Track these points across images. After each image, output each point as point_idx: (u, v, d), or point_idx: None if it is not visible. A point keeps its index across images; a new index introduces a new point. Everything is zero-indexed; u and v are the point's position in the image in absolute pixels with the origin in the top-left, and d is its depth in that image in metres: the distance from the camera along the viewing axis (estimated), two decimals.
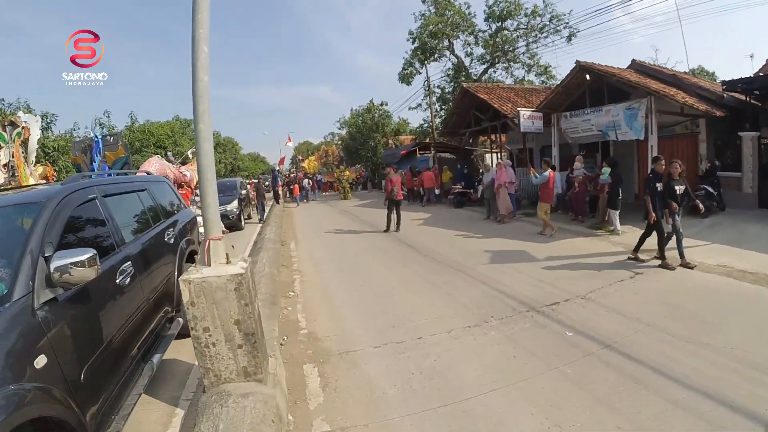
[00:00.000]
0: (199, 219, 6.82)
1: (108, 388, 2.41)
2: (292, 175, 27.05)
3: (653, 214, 5.91)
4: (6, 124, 8.26)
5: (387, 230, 10.25)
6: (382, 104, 32.50)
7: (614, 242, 7.72)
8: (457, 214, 13.70)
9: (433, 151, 20.19)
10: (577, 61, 10.74)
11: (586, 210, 10.23)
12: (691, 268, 5.71)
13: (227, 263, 2.92)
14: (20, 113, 10.09)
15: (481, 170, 18.20)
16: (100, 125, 18.47)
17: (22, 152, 8.33)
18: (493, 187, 11.45)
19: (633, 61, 12.93)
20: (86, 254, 2.13)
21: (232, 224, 11.42)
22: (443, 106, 28.11)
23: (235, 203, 11.73)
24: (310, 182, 23.83)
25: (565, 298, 4.96)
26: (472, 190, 15.78)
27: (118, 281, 2.81)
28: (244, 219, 12.52)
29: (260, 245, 8.61)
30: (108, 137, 11.28)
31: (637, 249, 6.34)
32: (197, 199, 11.66)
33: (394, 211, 10.26)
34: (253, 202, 17.46)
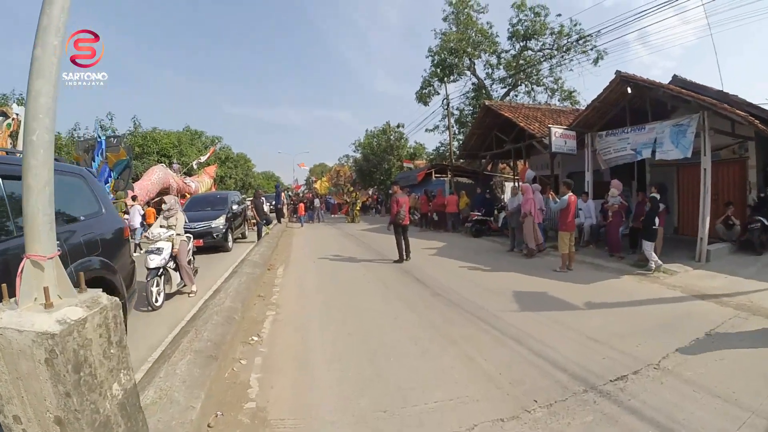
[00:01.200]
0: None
1: None
2: (302, 194, 25.95)
3: None
4: None
5: (400, 260, 8.79)
6: (398, 126, 31.61)
7: (669, 285, 6.21)
8: (476, 244, 12.15)
9: (449, 175, 18.85)
10: (618, 72, 9.39)
11: (622, 244, 8.82)
12: None
13: (47, 306, 1.53)
14: (14, 105, 9.92)
15: (503, 196, 16.76)
16: (101, 127, 17.73)
17: (11, 143, 8.20)
18: (519, 214, 9.95)
19: (674, 77, 11.48)
20: None
21: (216, 244, 9.98)
22: (461, 129, 27.00)
23: (221, 219, 10.16)
24: (319, 202, 22.61)
25: (634, 369, 3.45)
26: (492, 218, 14.30)
27: None
28: (233, 238, 10.86)
29: (237, 269, 7.23)
30: (112, 139, 11.17)
31: None
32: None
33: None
34: (253, 221, 16.24)
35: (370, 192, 32.36)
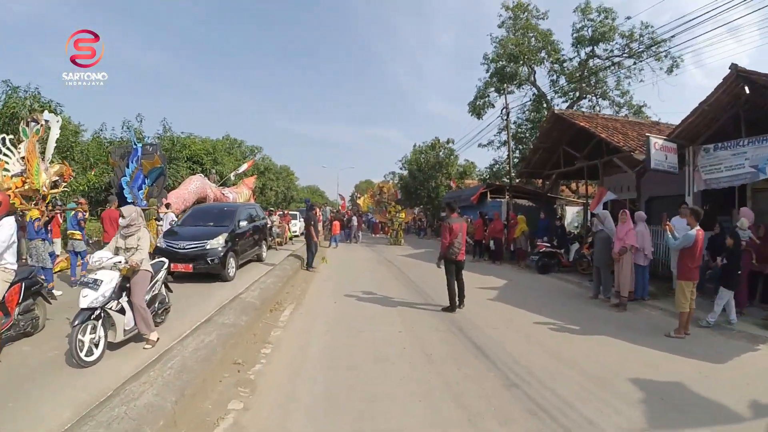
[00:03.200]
0: None
1: None
2: (337, 210, 24.14)
3: None
4: (30, 120, 8.48)
5: (451, 309, 6.44)
6: (447, 142, 29.33)
7: None
8: (546, 284, 9.51)
9: (507, 196, 16.19)
10: (733, 66, 7.09)
11: (746, 294, 6.58)
12: None
13: None
14: (46, 113, 10.10)
15: (574, 224, 13.73)
16: (128, 128, 16.88)
17: (39, 148, 8.37)
18: (610, 249, 7.36)
19: None
20: None
21: (211, 270, 7.62)
22: (518, 146, 24.25)
23: (220, 239, 7.81)
24: (356, 221, 20.54)
25: None
26: (563, 251, 11.54)
27: None
28: (239, 263, 8.57)
29: (215, 316, 5.15)
30: (148, 146, 11.03)
31: None
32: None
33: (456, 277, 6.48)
34: (278, 239, 14.42)
35: (416, 211, 30.07)
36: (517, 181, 17.35)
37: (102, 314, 3.93)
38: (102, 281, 3.93)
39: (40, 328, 4.53)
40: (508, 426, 2.99)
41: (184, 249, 7.62)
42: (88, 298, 3.82)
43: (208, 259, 7.60)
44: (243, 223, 9.02)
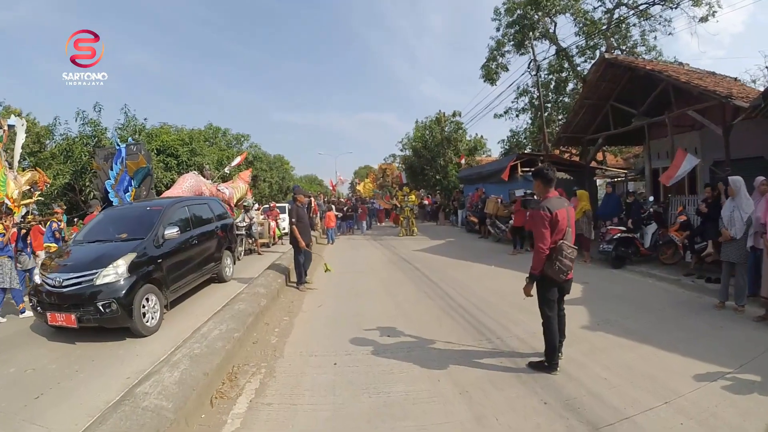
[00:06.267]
0: None
1: None
2: (336, 199, 20.87)
3: None
4: None
5: (550, 366, 3.53)
6: (454, 115, 26.09)
7: None
8: (635, 286, 6.72)
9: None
10: None
11: None
12: None
13: None
14: (13, 117, 10.09)
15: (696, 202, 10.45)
16: (82, 120, 14.42)
17: (5, 156, 8.05)
18: (749, 235, 4.59)
19: None
20: None
21: (105, 323, 4.50)
22: (533, 118, 21.00)
23: (119, 266, 4.63)
24: (360, 209, 17.41)
25: None
26: (638, 235, 8.56)
27: None
28: (164, 303, 5.18)
29: None
30: (132, 146, 10.54)
31: None
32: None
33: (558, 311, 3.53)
34: (262, 242, 11.41)
35: (422, 193, 26.98)
36: (557, 150, 14.28)
37: None
38: None
39: None
40: None
41: (61, 287, 4.51)
42: None
43: (99, 304, 4.38)
44: (171, 232, 5.51)
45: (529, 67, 15.05)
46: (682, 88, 9.04)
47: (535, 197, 4.23)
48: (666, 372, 3.44)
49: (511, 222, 10.80)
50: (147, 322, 4.73)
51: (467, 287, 6.76)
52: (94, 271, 4.55)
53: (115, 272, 4.58)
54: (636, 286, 6.67)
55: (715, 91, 8.05)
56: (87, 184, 13.56)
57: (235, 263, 8.02)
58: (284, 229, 14.98)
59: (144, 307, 4.71)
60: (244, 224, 10.11)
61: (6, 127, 8.58)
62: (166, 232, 5.42)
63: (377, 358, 3.91)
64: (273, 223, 12.83)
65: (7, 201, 7.28)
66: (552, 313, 3.42)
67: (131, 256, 4.80)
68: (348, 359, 3.90)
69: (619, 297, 5.92)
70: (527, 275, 3.44)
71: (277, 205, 15.47)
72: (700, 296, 5.91)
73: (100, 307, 4.39)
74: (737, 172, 8.24)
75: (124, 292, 4.52)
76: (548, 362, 3.50)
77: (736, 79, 11.48)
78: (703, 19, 17.10)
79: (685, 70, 10.70)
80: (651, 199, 9.46)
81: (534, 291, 3.48)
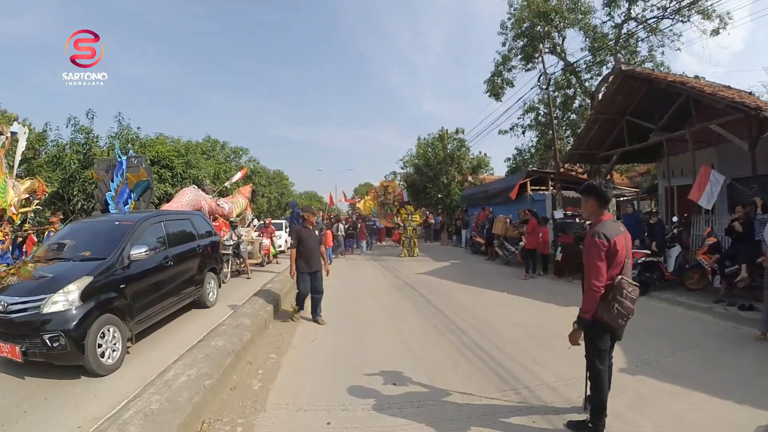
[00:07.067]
0: None
1: None
2: (335, 216, 20.14)
3: None
4: None
5: (596, 427, 2.73)
6: (456, 132, 25.65)
7: None
8: (668, 317, 6.09)
9: (552, 187, 12.47)
10: None
11: None
12: None
13: None
14: (15, 124, 10.01)
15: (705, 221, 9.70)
16: (74, 127, 13.92)
17: (6, 163, 8.00)
18: None
19: None
20: None
21: (54, 357, 3.71)
22: (540, 135, 20.56)
23: (71, 292, 3.81)
24: (359, 227, 16.63)
25: None
26: (662, 259, 7.87)
27: None
28: (127, 336, 4.33)
29: None
30: (133, 159, 10.35)
31: None
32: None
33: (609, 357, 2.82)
34: (250, 260, 10.62)
35: (426, 211, 26.26)
36: (566, 168, 13.65)
37: None
38: None
39: None
40: None
41: (6, 312, 3.77)
42: None
43: (46, 337, 3.60)
44: (139, 252, 4.64)
45: (539, 81, 14.49)
46: (703, 102, 8.60)
47: (578, 219, 3.55)
48: (725, 425, 2.87)
49: (522, 244, 10.08)
50: (104, 359, 3.93)
51: (480, 318, 6.01)
52: (42, 296, 3.78)
53: (65, 299, 3.79)
54: (666, 317, 5.98)
55: (744, 103, 7.57)
56: (76, 193, 12.98)
57: (220, 286, 7.20)
58: (280, 247, 14.26)
59: (101, 341, 3.94)
60: (231, 242, 9.31)
61: (9, 134, 8.61)
62: (132, 252, 4.58)
63: (381, 416, 3.16)
64: (267, 241, 12.06)
65: (10, 209, 7.34)
66: (603, 366, 2.70)
67: (86, 281, 3.98)
68: (344, 417, 3.14)
69: (652, 331, 5.20)
70: (574, 320, 2.72)
71: (273, 221, 14.77)
72: (738, 327, 5.31)
73: (47, 341, 3.62)
74: (763, 189, 7.77)
75: (74, 323, 3.72)
76: (593, 423, 2.75)
77: (750, 93, 11.03)
78: (715, 32, 16.82)
79: (705, 83, 10.23)
80: (674, 219, 8.79)
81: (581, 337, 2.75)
